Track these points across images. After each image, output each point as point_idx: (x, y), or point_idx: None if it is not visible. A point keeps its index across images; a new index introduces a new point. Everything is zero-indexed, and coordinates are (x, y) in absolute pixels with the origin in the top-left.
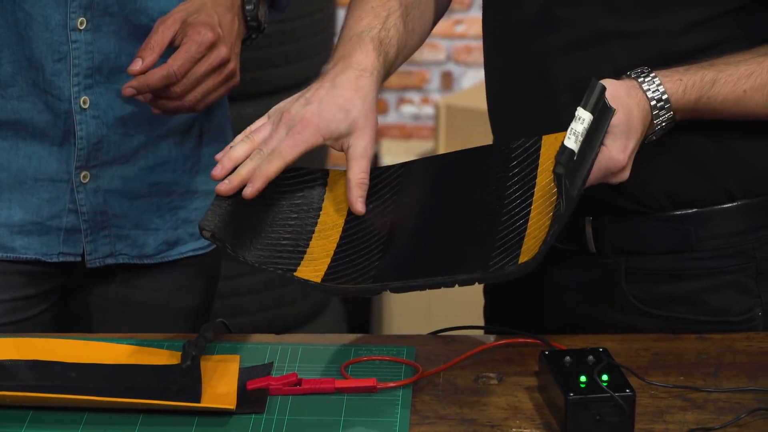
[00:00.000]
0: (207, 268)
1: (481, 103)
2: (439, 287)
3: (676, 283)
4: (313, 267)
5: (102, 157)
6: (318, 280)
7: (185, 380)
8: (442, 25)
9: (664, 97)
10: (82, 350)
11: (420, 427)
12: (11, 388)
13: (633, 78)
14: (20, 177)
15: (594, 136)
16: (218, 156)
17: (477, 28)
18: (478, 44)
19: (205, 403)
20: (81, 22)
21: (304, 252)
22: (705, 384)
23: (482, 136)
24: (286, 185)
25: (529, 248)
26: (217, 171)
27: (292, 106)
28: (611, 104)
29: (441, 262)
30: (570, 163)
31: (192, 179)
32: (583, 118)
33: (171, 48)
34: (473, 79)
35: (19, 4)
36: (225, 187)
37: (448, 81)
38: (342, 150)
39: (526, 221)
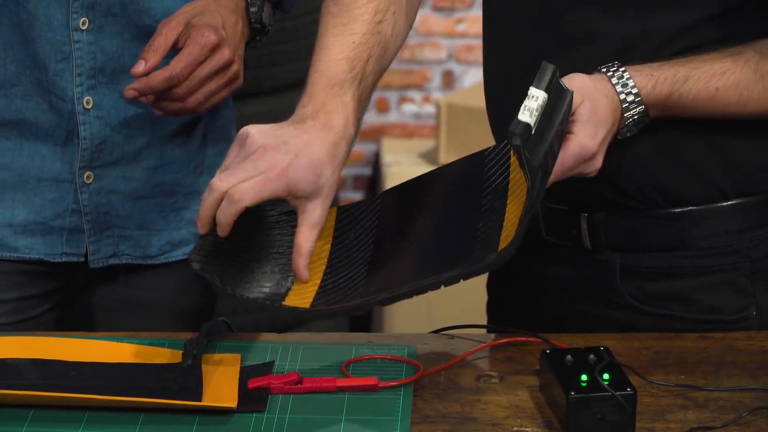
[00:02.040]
0: None
1: (482, 101)
2: (426, 291)
3: (670, 281)
4: (301, 296)
5: (105, 157)
6: (307, 306)
7: (186, 379)
8: (444, 24)
9: (634, 90)
10: (83, 349)
11: (421, 426)
12: (12, 386)
13: (602, 72)
14: (24, 177)
15: (552, 116)
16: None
17: (478, 26)
18: (480, 43)
19: (206, 401)
20: (83, 23)
21: (291, 285)
22: (706, 383)
23: (483, 134)
24: (269, 223)
25: (507, 236)
26: (199, 226)
27: (270, 143)
28: (575, 93)
29: (425, 267)
30: (526, 135)
31: (196, 180)
32: (536, 96)
33: (174, 50)
34: (474, 78)
35: (23, 4)
36: (202, 230)
37: (449, 80)
38: (296, 211)
39: (503, 214)
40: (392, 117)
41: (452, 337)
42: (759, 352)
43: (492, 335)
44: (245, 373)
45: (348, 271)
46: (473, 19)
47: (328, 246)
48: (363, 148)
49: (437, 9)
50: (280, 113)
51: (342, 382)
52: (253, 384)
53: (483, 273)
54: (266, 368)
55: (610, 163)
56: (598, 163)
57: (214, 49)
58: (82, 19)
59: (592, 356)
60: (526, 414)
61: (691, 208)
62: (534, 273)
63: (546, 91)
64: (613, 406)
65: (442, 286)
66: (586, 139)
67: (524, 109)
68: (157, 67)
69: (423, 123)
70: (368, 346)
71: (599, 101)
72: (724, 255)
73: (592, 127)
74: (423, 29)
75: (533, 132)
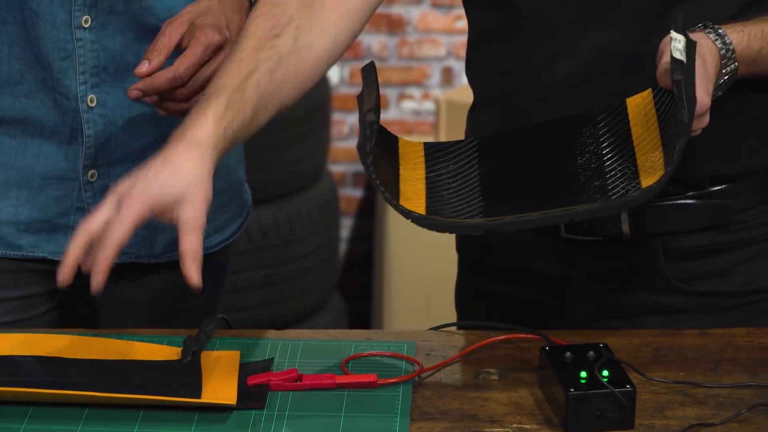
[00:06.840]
0: (215, 268)
1: None
2: (556, 222)
3: (712, 258)
4: (411, 204)
5: (110, 155)
6: (422, 212)
7: (186, 376)
8: (443, 21)
9: (731, 47)
10: (83, 346)
11: (421, 422)
12: (11, 383)
13: (701, 30)
14: (28, 175)
15: (689, 62)
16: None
17: None
18: None
19: (206, 398)
20: (86, 21)
21: (398, 191)
22: (705, 379)
23: None
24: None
25: (648, 176)
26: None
27: (124, 182)
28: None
29: (552, 199)
30: (681, 70)
31: None
32: (678, 39)
33: (178, 50)
34: None
35: (26, 2)
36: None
37: (448, 76)
38: (174, 223)
39: (634, 161)
40: (391, 114)
41: (452, 334)
42: (758, 349)
43: (491, 332)
44: (245, 370)
45: (459, 193)
46: None
47: (423, 173)
48: None
49: (436, 6)
50: None
51: (341, 379)
52: (252, 381)
53: (621, 210)
54: (266, 365)
55: None
56: (707, 119)
57: (218, 49)
58: (85, 17)
59: (591, 353)
60: (525, 411)
61: (730, 185)
62: (555, 274)
63: (683, 35)
64: (612, 402)
65: (573, 219)
66: (702, 94)
67: (674, 50)
68: (161, 68)
69: (422, 120)
70: (367, 343)
71: (706, 57)
72: (757, 227)
73: (705, 82)
74: (422, 26)
75: (685, 68)
